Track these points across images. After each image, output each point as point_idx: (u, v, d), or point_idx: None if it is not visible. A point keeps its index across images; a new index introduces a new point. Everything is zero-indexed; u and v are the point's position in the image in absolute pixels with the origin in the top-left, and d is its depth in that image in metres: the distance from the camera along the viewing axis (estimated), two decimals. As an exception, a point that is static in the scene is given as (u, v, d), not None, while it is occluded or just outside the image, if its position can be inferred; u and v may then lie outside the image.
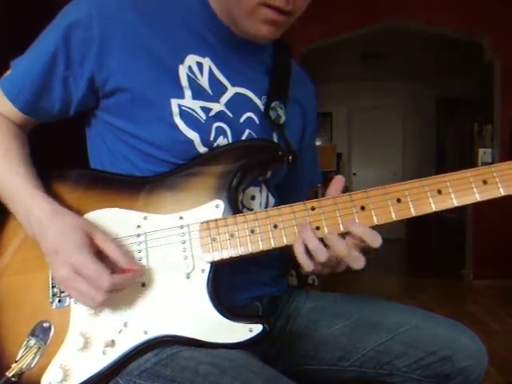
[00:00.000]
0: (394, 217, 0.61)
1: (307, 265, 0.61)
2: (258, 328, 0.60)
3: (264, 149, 0.69)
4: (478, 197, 0.61)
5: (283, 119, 0.76)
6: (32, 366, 0.62)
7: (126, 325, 0.62)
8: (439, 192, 0.61)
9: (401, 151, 7.00)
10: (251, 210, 0.74)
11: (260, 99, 0.76)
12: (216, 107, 0.70)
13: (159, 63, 0.67)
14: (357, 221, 0.61)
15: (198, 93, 0.69)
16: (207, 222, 0.64)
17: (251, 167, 0.67)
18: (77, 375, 0.61)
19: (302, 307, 0.83)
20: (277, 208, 0.63)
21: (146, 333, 0.62)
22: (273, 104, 0.75)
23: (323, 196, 0.65)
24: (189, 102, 0.68)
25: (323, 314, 0.80)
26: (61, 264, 0.58)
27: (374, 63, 5.72)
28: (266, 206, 0.77)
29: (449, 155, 6.51)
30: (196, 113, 0.68)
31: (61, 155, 0.83)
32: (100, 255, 0.60)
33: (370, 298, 0.84)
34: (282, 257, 0.83)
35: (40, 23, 0.71)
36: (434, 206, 0.61)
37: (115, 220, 0.66)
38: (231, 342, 0.61)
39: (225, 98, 0.72)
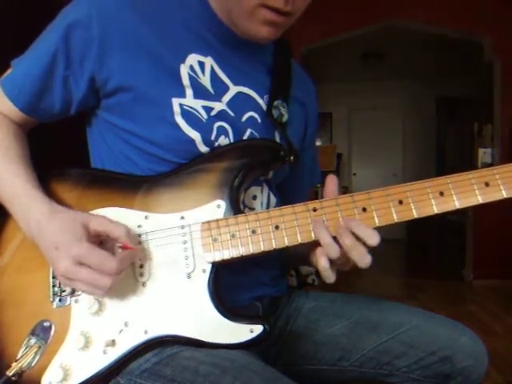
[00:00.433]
0: (395, 218, 0.61)
1: (323, 263, 0.61)
2: (258, 328, 0.61)
3: (266, 149, 0.69)
4: (480, 199, 0.60)
5: (286, 118, 0.76)
6: (32, 365, 0.62)
7: (126, 324, 0.62)
8: (441, 194, 0.61)
9: (401, 151, 7.00)
10: (253, 209, 0.74)
11: (262, 98, 0.76)
12: (218, 106, 0.70)
13: (160, 62, 0.67)
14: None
15: (200, 92, 0.69)
16: (208, 222, 0.64)
17: (253, 167, 0.67)
18: (77, 375, 0.61)
19: (302, 307, 0.83)
20: (278, 209, 0.63)
21: (146, 332, 0.62)
22: (275, 102, 0.75)
23: (323, 196, 0.65)
24: (190, 101, 0.68)
25: (323, 314, 0.80)
26: (61, 258, 0.58)
27: (374, 63, 5.72)
28: (268, 206, 0.77)
29: (449, 155, 6.51)
30: (197, 112, 0.68)
31: (61, 154, 0.83)
32: (99, 245, 0.60)
33: (370, 298, 0.84)
34: (283, 257, 0.83)
35: (40, 23, 0.71)
36: (435, 208, 0.61)
37: (116, 219, 0.65)
38: (232, 342, 0.61)
39: (227, 97, 0.72)
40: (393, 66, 5.94)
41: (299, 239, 0.62)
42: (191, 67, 0.69)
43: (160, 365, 0.61)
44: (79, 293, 0.64)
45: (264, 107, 0.75)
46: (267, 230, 0.62)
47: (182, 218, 0.65)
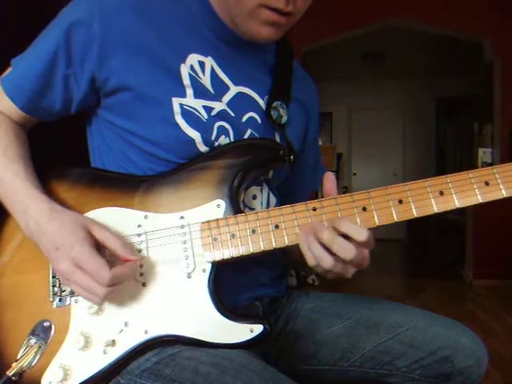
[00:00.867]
0: (395, 218, 0.61)
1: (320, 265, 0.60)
2: (258, 328, 0.61)
3: (265, 148, 0.69)
4: (480, 198, 0.60)
5: (285, 119, 0.76)
6: (32, 365, 0.62)
7: (126, 324, 0.62)
8: (441, 193, 0.61)
9: (401, 151, 7.00)
10: (252, 209, 0.74)
11: (262, 99, 0.76)
12: (218, 106, 0.70)
13: (160, 62, 0.67)
14: (358, 221, 0.61)
15: (200, 92, 0.69)
16: (208, 221, 0.64)
17: (253, 166, 0.67)
18: (77, 375, 0.61)
19: (302, 307, 0.82)
20: (278, 208, 0.63)
21: (146, 332, 0.62)
22: (274, 104, 0.75)
23: (322, 195, 0.65)
24: (190, 100, 0.68)
25: (323, 314, 0.80)
26: (61, 258, 0.58)
27: (374, 63, 5.72)
28: (268, 206, 0.77)
29: (449, 155, 6.51)
30: (198, 112, 0.68)
31: (61, 154, 0.83)
32: (100, 251, 0.60)
33: (370, 298, 0.84)
34: (282, 257, 0.83)
35: (41, 22, 0.71)
36: (435, 207, 0.61)
37: (116, 219, 0.65)
38: (232, 342, 0.61)
39: (227, 98, 0.71)
40: (393, 65, 5.94)
41: (300, 240, 0.61)
42: (191, 67, 0.69)
43: (160, 364, 0.61)
44: (79, 293, 0.64)
45: (264, 108, 0.75)
46: (267, 229, 0.62)
47: (182, 217, 0.65)
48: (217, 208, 0.65)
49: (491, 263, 3.84)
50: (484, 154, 3.83)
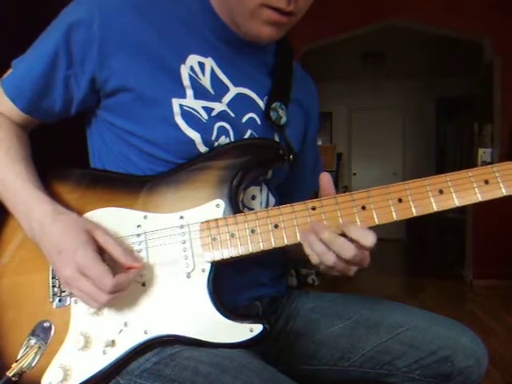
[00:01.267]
0: (395, 217, 0.61)
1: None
2: (258, 328, 0.61)
3: (265, 148, 0.69)
4: (479, 197, 0.60)
5: (284, 120, 0.76)
6: (32, 365, 0.62)
7: (126, 324, 0.62)
8: (441, 192, 0.61)
9: (401, 151, 7.00)
10: (252, 209, 0.74)
11: (262, 100, 0.76)
12: (218, 107, 0.70)
13: (160, 63, 0.67)
14: (358, 220, 0.61)
15: (200, 93, 0.69)
16: (207, 221, 0.64)
17: (252, 166, 0.67)
18: (77, 375, 0.61)
19: (302, 307, 0.82)
20: (277, 208, 0.63)
21: (146, 332, 0.62)
22: (273, 105, 0.75)
23: (320, 195, 0.65)
24: (190, 101, 0.68)
25: (323, 314, 0.80)
26: (65, 263, 0.58)
27: (374, 63, 5.72)
28: (267, 206, 0.77)
29: (449, 155, 6.51)
30: (198, 112, 0.68)
31: (61, 154, 0.83)
32: (102, 255, 0.60)
33: (370, 298, 0.84)
34: (282, 257, 0.83)
35: (41, 22, 0.71)
36: (435, 205, 0.61)
37: (115, 219, 0.66)
38: (231, 341, 0.61)
39: (227, 98, 0.72)
40: (393, 65, 5.94)
41: (298, 238, 0.62)
42: (191, 68, 0.69)
43: (160, 365, 0.61)
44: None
45: (263, 109, 0.75)
46: (266, 229, 0.62)
47: (181, 217, 0.65)
48: (216, 208, 0.65)
49: (491, 263, 3.84)
50: (484, 153, 3.83)
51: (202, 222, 0.64)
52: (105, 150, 0.74)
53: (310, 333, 0.78)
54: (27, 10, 1.21)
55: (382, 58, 5.58)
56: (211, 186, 0.66)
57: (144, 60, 0.66)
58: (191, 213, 0.65)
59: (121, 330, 0.62)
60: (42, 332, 0.63)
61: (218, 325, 0.61)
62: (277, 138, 0.77)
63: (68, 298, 0.64)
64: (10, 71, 0.70)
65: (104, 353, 0.61)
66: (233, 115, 0.72)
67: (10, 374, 0.61)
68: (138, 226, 0.65)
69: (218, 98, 0.71)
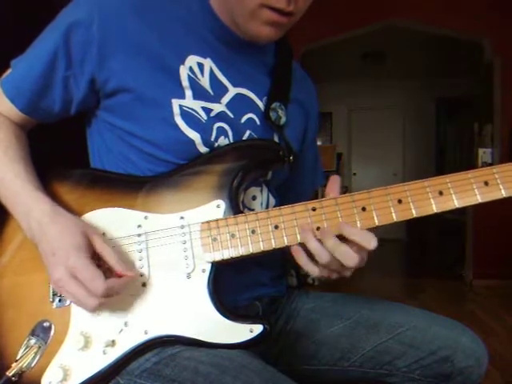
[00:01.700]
0: (395, 218, 0.61)
1: (311, 269, 0.61)
2: (258, 328, 0.61)
3: (265, 149, 0.70)
4: (479, 198, 0.60)
5: (283, 120, 0.76)
6: (32, 365, 0.62)
7: (126, 324, 0.62)
8: (440, 193, 0.61)
9: (401, 151, 7.00)
10: (252, 210, 0.74)
11: (261, 100, 0.76)
12: (217, 108, 0.70)
13: (160, 63, 0.67)
14: (358, 222, 0.61)
15: (199, 93, 0.69)
16: (208, 222, 0.64)
17: (252, 167, 0.67)
18: (77, 375, 0.61)
19: (302, 307, 0.83)
20: (278, 208, 0.63)
21: (146, 333, 0.62)
22: (273, 105, 0.75)
23: (324, 196, 0.65)
24: (190, 102, 0.68)
25: (323, 314, 0.80)
26: (57, 266, 0.58)
27: (374, 63, 5.72)
28: (267, 207, 0.77)
29: (449, 155, 6.51)
30: (197, 113, 0.68)
31: (61, 155, 0.83)
32: (97, 259, 0.60)
33: (370, 298, 0.84)
34: (283, 257, 0.83)
35: (41, 22, 0.71)
36: (435, 207, 0.61)
37: (116, 220, 0.66)
38: (231, 342, 0.61)
39: (226, 99, 0.72)
40: (393, 66, 5.94)
41: (299, 239, 0.62)
42: (190, 68, 0.69)
43: (160, 365, 0.61)
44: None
45: (262, 109, 0.75)
46: (267, 229, 0.62)
47: (182, 218, 0.65)
48: (217, 208, 0.65)
49: (491, 263, 3.84)
50: (484, 154, 3.83)
51: (202, 223, 0.64)
52: (105, 151, 0.74)
53: (310, 333, 0.78)
54: (27, 9, 1.21)
55: (381, 57, 5.58)
56: (212, 187, 0.66)
57: (143, 60, 0.66)
58: (192, 213, 0.65)
59: (121, 330, 0.62)
60: (41, 332, 0.63)
61: (218, 325, 0.61)
62: (276, 138, 0.77)
63: (68, 298, 0.64)
64: (9, 71, 0.70)
65: (104, 353, 0.61)
66: (231, 116, 0.72)
67: (9, 373, 0.61)
68: (139, 226, 0.65)
69: (217, 98, 0.71)
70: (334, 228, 0.61)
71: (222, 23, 0.72)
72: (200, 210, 0.65)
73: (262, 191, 0.76)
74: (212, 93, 0.70)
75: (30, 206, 0.63)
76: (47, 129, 0.77)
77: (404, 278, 4.67)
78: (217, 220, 0.64)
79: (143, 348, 0.62)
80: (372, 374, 0.76)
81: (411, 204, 0.61)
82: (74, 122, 0.76)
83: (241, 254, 0.63)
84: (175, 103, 0.67)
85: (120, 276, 0.60)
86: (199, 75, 0.70)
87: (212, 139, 0.69)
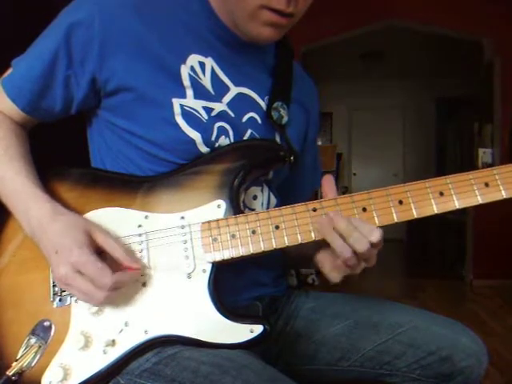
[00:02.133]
0: (395, 218, 0.61)
1: (334, 276, 0.63)
2: (258, 328, 0.61)
3: (266, 149, 0.70)
4: (479, 199, 0.60)
5: (285, 119, 0.76)
6: (32, 364, 0.62)
7: (126, 324, 0.62)
8: (441, 194, 0.61)
9: (401, 151, 7.00)
10: (253, 210, 0.74)
11: (263, 99, 0.76)
12: (218, 107, 0.70)
13: (160, 63, 0.67)
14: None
15: (200, 93, 0.69)
16: (208, 222, 0.64)
17: (253, 167, 0.67)
18: (77, 374, 0.61)
19: (302, 307, 0.82)
20: (278, 209, 0.63)
21: (146, 332, 0.62)
22: (275, 104, 0.75)
23: (321, 196, 0.65)
24: (191, 101, 0.68)
25: (323, 314, 0.80)
26: (61, 263, 0.58)
27: (373, 63, 5.72)
28: (268, 206, 0.77)
29: (449, 155, 6.51)
30: (198, 112, 0.68)
31: (62, 154, 0.83)
32: (101, 254, 0.60)
33: (370, 298, 0.84)
34: (282, 257, 0.83)
35: (41, 22, 0.71)
36: (435, 207, 0.61)
37: (116, 219, 0.66)
38: (232, 342, 0.61)
39: (227, 98, 0.72)
40: (392, 65, 5.94)
41: (299, 239, 0.62)
42: (192, 68, 0.69)
43: (160, 365, 0.61)
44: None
45: (264, 108, 0.75)
46: (267, 230, 0.62)
47: (182, 217, 0.65)
48: (217, 208, 0.65)
49: (491, 263, 3.84)
50: (484, 154, 3.83)
51: (203, 223, 0.64)
52: (105, 150, 0.74)
53: (309, 333, 0.78)
54: (27, 9, 1.21)
55: (381, 58, 5.58)
56: (212, 187, 0.66)
57: (144, 60, 0.66)
58: (192, 213, 0.65)
59: (121, 330, 0.62)
60: (42, 331, 0.63)
61: (218, 325, 0.61)
62: (278, 138, 0.77)
63: (68, 298, 0.64)
64: (9, 70, 0.70)
65: (104, 352, 0.61)
66: (232, 115, 0.72)
67: (9, 373, 0.61)
68: (139, 225, 0.65)
69: (218, 97, 0.71)
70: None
71: (222, 24, 0.72)
72: (200, 209, 0.65)
73: (262, 191, 0.76)
74: (213, 92, 0.70)
75: (31, 204, 0.63)
76: (48, 128, 0.77)
77: (404, 277, 4.67)
78: (217, 220, 0.64)
79: (143, 348, 0.62)
80: (372, 374, 0.76)
81: (412, 204, 0.61)
82: (74, 121, 0.76)
83: (241, 254, 0.63)
84: (176, 103, 0.67)
85: (125, 269, 0.60)
86: (201, 74, 0.70)
87: (213, 139, 0.69)
